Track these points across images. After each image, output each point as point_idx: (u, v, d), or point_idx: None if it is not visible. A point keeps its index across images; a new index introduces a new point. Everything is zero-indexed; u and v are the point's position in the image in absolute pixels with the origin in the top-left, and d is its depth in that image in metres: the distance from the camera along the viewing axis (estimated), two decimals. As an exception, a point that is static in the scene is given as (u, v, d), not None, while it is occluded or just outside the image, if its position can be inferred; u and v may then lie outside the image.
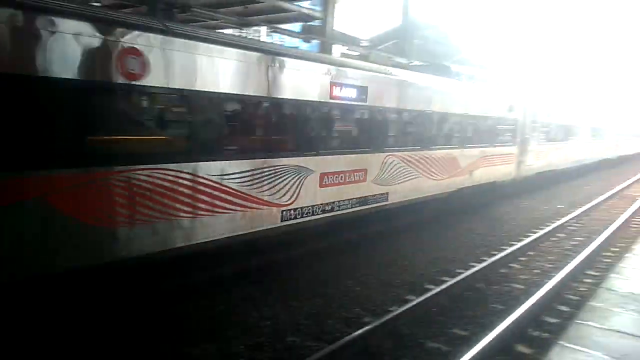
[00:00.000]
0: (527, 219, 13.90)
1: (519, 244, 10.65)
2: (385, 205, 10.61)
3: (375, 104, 9.93)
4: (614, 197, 19.01)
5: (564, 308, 7.41)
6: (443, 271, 8.85)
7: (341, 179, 9.31)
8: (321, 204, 8.93)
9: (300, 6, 16.03)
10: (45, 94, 5.16)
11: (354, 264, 9.10)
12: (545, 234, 11.91)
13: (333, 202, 9.20)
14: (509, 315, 6.60)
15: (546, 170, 19.65)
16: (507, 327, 6.23)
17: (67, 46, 5.27)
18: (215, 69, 6.90)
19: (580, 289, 8.37)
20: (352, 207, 9.68)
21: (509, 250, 10.15)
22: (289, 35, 15.97)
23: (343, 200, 9.42)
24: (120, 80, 5.76)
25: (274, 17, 17.48)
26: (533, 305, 7.03)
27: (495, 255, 9.77)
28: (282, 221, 8.19)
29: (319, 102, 8.65)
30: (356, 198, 9.74)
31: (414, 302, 7.02)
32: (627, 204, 17.17)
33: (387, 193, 10.55)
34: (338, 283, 8.06)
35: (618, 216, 14.45)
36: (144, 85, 6.04)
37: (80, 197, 5.48)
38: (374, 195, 10.23)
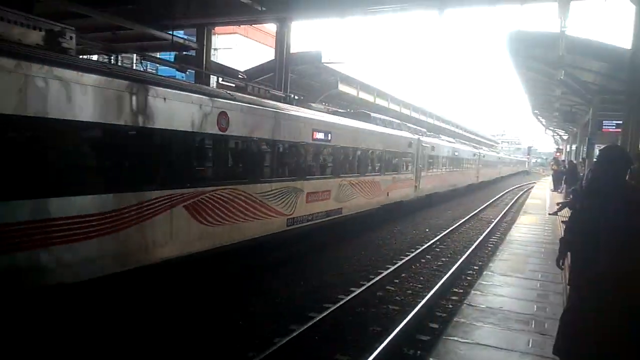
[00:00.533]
0: (399, 243, 14.75)
1: (393, 267, 11.24)
2: (340, 217, 14.00)
3: (335, 143, 13.50)
4: (471, 219, 20.99)
5: (434, 325, 7.91)
6: (325, 298, 8.98)
7: (317, 197, 12.59)
8: (306, 215, 12.12)
9: (174, 35, 15.69)
10: (189, 143, 8.33)
11: (240, 296, 8.92)
12: (416, 256, 12.72)
13: (313, 214, 12.42)
14: (386, 336, 6.87)
15: (432, 192, 24.25)
16: (385, 348, 6.47)
17: (195, 112, 8.35)
18: (274, 124, 10.65)
19: (448, 306, 9.02)
20: (322, 218, 12.95)
21: (385, 273, 10.65)
22: (162, 64, 15.55)
23: (318, 213, 12.66)
24: (209, 132, 8.70)
25: (146, 45, 16.93)
26: (407, 325, 7.41)
27: (372, 279, 10.19)
28: (287, 226, 11.29)
29: (307, 142, 12.08)
30: (325, 211, 13.03)
31: (297, 332, 7.03)
32: (484, 226, 19.05)
33: (341, 208, 13.97)
34: (225, 315, 7.84)
35: (476, 237, 15.96)
36: (227, 136, 9.17)
37: (196, 207, 8.37)
38: (335, 209, 13.59)
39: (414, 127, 23.74)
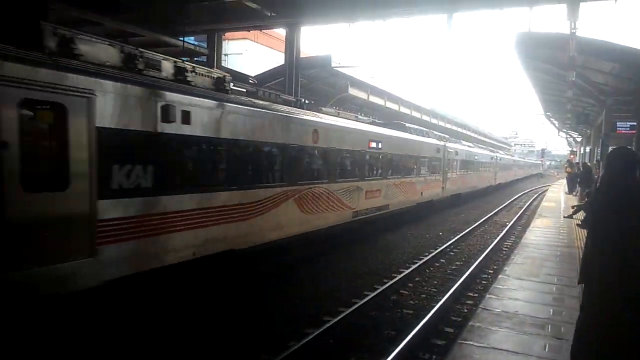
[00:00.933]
0: (413, 246, 14.68)
1: (407, 271, 11.18)
2: (387, 212, 16.40)
3: (385, 150, 16.05)
4: (485, 223, 20.82)
5: (449, 329, 7.84)
6: (339, 302, 8.95)
7: (372, 195, 15.02)
8: (365, 209, 14.57)
9: (185, 41, 15.82)
10: (300, 152, 11.21)
11: (260, 297, 8.99)
12: (429, 260, 12.65)
13: (369, 208, 14.87)
14: (401, 341, 6.82)
15: (456, 193, 26.17)
16: (400, 352, 6.43)
17: (300, 129, 11.19)
18: (345, 137, 13.34)
19: (463, 310, 8.94)
20: (375, 212, 15.33)
21: (398, 277, 10.60)
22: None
23: (372, 208, 15.12)
24: (306, 144, 11.37)
25: (158, 51, 17.03)
26: (422, 329, 7.36)
27: (386, 282, 10.14)
28: (353, 218, 13.71)
29: (365, 150, 14.65)
30: (377, 207, 15.51)
31: (313, 335, 7.02)
32: (498, 229, 18.89)
33: (388, 204, 16.40)
34: (241, 317, 7.85)
35: (491, 241, 15.82)
36: (316, 147, 11.82)
37: (300, 200, 11.01)
38: (384, 205, 16.07)
39: (440, 134, 25.73)
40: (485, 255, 13.24)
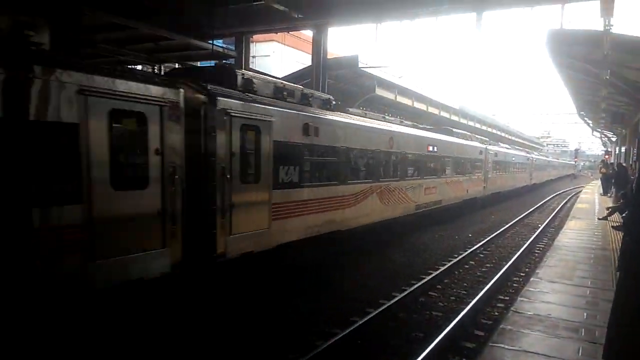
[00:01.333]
0: (442, 248, 14.50)
1: (436, 273, 11.05)
2: (441, 206, 18.78)
3: (440, 153, 18.53)
4: (517, 224, 20.41)
5: (479, 332, 7.71)
6: (367, 302, 8.91)
7: (430, 191, 17.45)
8: (425, 203, 17.04)
9: (214, 44, 16.00)
10: (380, 156, 13.88)
11: (288, 294, 9.01)
12: (459, 261, 12.47)
13: (428, 203, 17.34)
14: (430, 343, 6.75)
15: (496, 191, 28.10)
16: (428, 354, 6.35)
17: (382, 137, 13.95)
18: (411, 142, 15.93)
19: (493, 313, 8.79)
20: (432, 207, 17.74)
21: (427, 279, 10.48)
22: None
23: (429, 202, 17.54)
24: (385, 149, 13.92)
25: (187, 54, 17.28)
26: (451, 331, 7.26)
27: (414, 284, 10.05)
28: (415, 210, 16.18)
29: (425, 153, 17.19)
30: (433, 201, 17.95)
31: (339, 336, 7.01)
32: (530, 231, 18.50)
33: (442, 200, 18.80)
34: (271, 314, 7.88)
35: (522, 243, 15.50)
36: (391, 151, 14.33)
37: (380, 193, 13.62)
38: (438, 200, 18.41)
39: (481, 137, 27.82)
40: (517, 257, 12.97)
